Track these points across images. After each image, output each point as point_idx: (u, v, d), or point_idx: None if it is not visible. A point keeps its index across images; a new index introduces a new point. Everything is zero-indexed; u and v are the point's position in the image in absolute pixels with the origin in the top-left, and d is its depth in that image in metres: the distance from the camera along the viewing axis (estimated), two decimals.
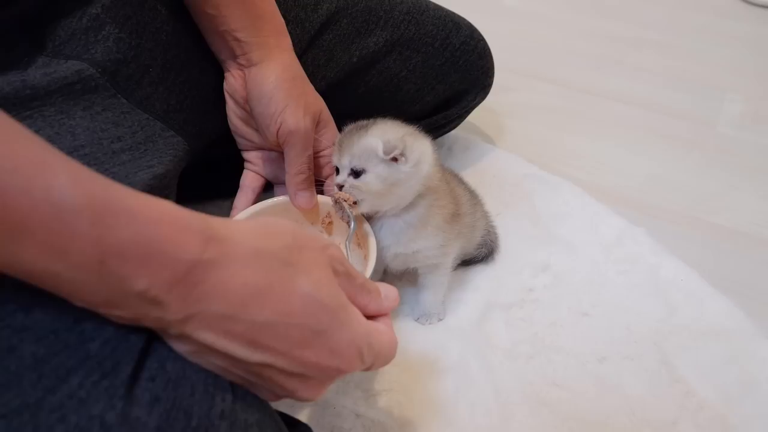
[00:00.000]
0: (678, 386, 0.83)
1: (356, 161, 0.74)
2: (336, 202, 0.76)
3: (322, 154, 0.83)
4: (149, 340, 0.43)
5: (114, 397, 0.39)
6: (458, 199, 0.86)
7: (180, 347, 0.43)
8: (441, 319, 0.91)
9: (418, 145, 0.75)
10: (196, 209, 0.41)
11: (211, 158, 0.96)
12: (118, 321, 0.41)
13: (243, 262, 0.41)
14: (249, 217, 0.79)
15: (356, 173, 0.74)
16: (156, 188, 0.67)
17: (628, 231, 1.07)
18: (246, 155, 0.86)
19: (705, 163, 1.30)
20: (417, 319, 0.91)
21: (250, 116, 0.80)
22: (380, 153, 0.71)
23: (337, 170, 0.78)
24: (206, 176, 0.99)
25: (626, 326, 0.91)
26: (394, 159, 0.72)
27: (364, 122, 0.78)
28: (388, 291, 0.56)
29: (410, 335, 0.89)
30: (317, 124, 0.80)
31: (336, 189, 0.76)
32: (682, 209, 1.18)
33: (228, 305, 0.40)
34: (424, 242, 0.80)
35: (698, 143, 1.36)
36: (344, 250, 0.77)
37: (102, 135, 0.65)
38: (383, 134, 0.74)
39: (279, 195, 0.84)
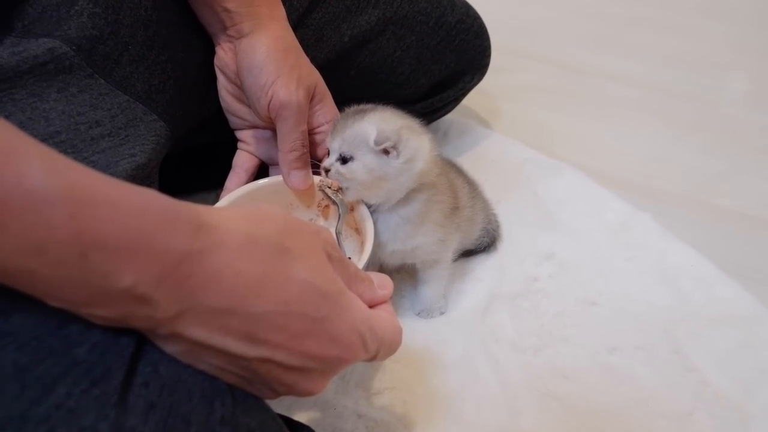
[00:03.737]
0: (692, 376, 0.83)
1: (346, 146, 0.72)
2: (320, 187, 0.76)
3: (318, 131, 0.81)
4: (139, 342, 0.41)
5: (106, 405, 0.37)
6: (457, 192, 0.85)
7: (171, 348, 0.41)
8: (443, 313, 0.90)
9: (415, 141, 0.73)
10: None
11: (193, 147, 0.95)
12: (102, 322, 0.39)
13: (236, 251, 0.40)
14: (239, 197, 0.78)
15: (344, 159, 0.73)
16: (138, 179, 0.66)
17: (633, 216, 1.07)
18: (239, 134, 0.85)
19: (709, 144, 1.30)
20: (418, 314, 0.90)
21: (242, 92, 0.79)
22: (371, 142, 0.70)
23: (329, 153, 0.76)
24: (186, 168, 0.98)
25: (635, 315, 0.91)
26: (385, 151, 0.71)
27: (365, 107, 0.76)
28: (381, 280, 0.55)
29: (411, 330, 0.87)
30: (312, 98, 0.78)
31: (322, 173, 0.75)
32: (688, 192, 1.17)
33: (222, 298, 0.39)
34: (422, 238, 0.79)
35: (701, 124, 1.36)
36: (335, 238, 0.75)
37: (79, 119, 0.63)
38: (380, 122, 0.72)
39: (273, 176, 0.83)
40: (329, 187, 0.74)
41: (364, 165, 0.72)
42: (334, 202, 0.76)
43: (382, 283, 0.55)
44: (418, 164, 0.74)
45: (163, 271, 0.37)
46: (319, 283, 0.44)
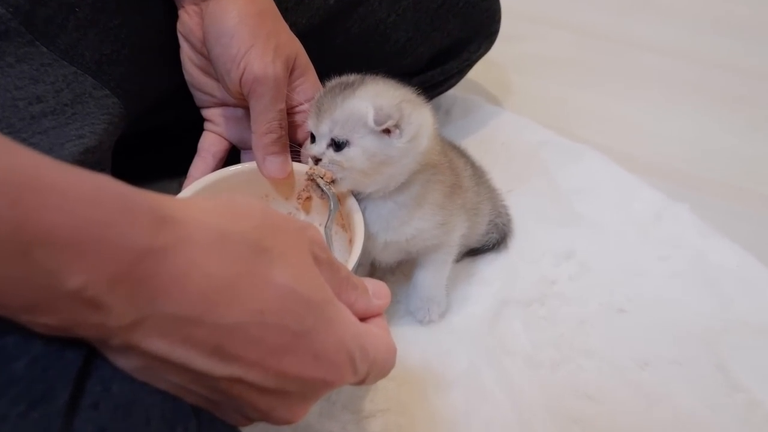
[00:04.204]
0: (738, 396, 0.83)
1: (339, 130, 0.72)
2: (310, 178, 0.75)
3: (298, 110, 0.81)
4: (88, 355, 0.40)
5: (48, 431, 0.37)
6: (458, 172, 0.84)
7: (125, 362, 0.41)
8: (442, 314, 0.89)
9: (417, 115, 0.73)
10: None
11: (152, 128, 0.95)
12: (44, 331, 0.38)
13: (205, 249, 0.40)
14: (205, 187, 0.77)
15: (338, 145, 0.72)
16: (87, 164, 0.65)
17: (667, 207, 1.07)
18: (206, 113, 0.85)
19: (757, 124, 1.30)
20: (413, 312, 0.89)
21: (209, 63, 0.78)
22: (370, 122, 0.70)
23: (312, 137, 0.76)
24: (143, 153, 0.97)
25: (671, 324, 0.91)
26: (387, 131, 0.71)
27: (350, 78, 0.76)
28: (376, 288, 0.55)
29: (407, 341, 0.87)
30: (292, 71, 0.78)
31: (311, 162, 0.75)
32: (731, 180, 1.18)
33: (187, 304, 0.39)
34: (420, 223, 0.79)
35: (748, 100, 1.36)
36: (324, 235, 0.75)
37: (17, 95, 0.63)
38: (375, 97, 0.72)
39: (246, 162, 0.83)
40: (321, 177, 0.73)
41: (363, 150, 0.71)
42: (323, 195, 0.75)
43: (378, 292, 0.54)
44: (422, 142, 0.74)
45: (117, 270, 0.36)
46: (303, 289, 0.44)
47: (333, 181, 0.73)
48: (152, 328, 0.39)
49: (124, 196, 0.37)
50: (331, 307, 0.46)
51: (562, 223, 1.05)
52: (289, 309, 0.43)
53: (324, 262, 0.48)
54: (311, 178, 0.74)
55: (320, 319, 0.45)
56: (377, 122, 0.69)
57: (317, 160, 0.74)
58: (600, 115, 1.31)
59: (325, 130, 0.73)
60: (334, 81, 0.76)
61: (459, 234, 0.85)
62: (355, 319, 0.49)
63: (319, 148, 0.74)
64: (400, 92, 0.75)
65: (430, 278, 0.88)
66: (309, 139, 0.78)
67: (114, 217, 0.36)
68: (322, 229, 0.77)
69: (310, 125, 0.76)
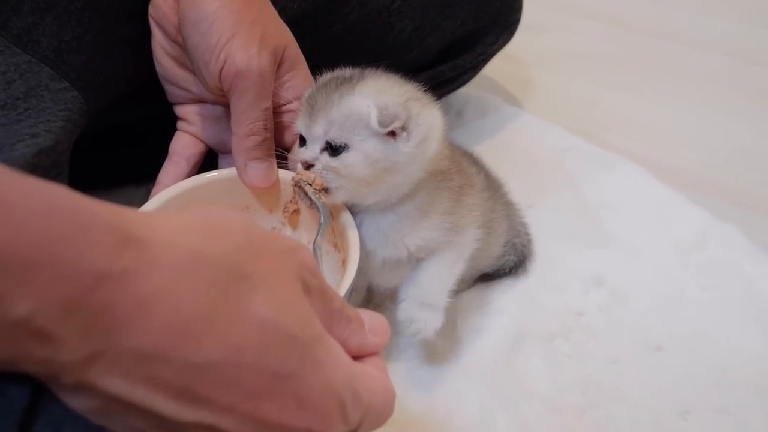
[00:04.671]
0: None
1: (336, 131, 0.72)
2: (296, 185, 0.74)
3: (286, 109, 0.81)
4: (36, 393, 0.40)
5: None
6: (469, 177, 0.84)
7: (78, 403, 0.40)
8: (436, 329, 0.81)
9: (426, 115, 0.73)
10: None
11: (117, 127, 0.95)
12: None
13: (173, 274, 0.39)
14: (177, 196, 0.77)
15: (334, 149, 0.72)
16: (41, 168, 0.65)
17: (713, 228, 1.07)
18: (179, 110, 0.85)
19: None
20: (401, 322, 0.81)
21: (185, 53, 0.78)
22: (374, 123, 0.69)
23: (303, 140, 0.76)
24: (106, 155, 0.97)
25: (717, 365, 0.90)
26: (392, 133, 0.71)
27: (347, 73, 0.76)
28: (374, 322, 0.54)
29: (409, 380, 0.87)
30: (280, 64, 0.78)
31: (299, 168, 0.74)
32: None
33: (151, 339, 0.38)
34: (427, 233, 0.78)
35: None
36: (317, 259, 0.75)
37: None
38: (378, 95, 0.72)
39: (225, 168, 0.83)
40: (309, 184, 0.73)
41: (365, 155, 0.71)
42: (312, 206, 0.75)
43: (376, 327, 0.54)
44: (432, 145, 0.74)
45: (70, 297, 0.36)
46: (288, 323, 0.43)
47: (325, 190, 0.73)
48: (110, 364, 0.38)
49: (80, 211, 0.37)
50: (319, 344, 0.46)
51: (590, 244, 1.04)
52: (271, 346, 0.43)
53: (315, 290, 0.48)
54: (298, 185, 0.74)
55: (306, 358, 0.44)
56: (382, 123, 0.69)
57: (309, 166, 0.73)
58: (635, 119, 1.31)
59: (319, 132, 0.73)
60: (328, 75, 0.76)
61: (473, 232, 0.83)
62: (347, 359, 0.49)
63: (311, 152, 0.73)
64: (406, 89, 0.75)
65: (434, 275, 0.82)
66: (297, 142, 0.78)
67: (68, 235, 0.36)
68: (310, 248, 0.77)
69: (300, 126, 0.75)
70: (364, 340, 0.53)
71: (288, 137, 0.82)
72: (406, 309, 0.82)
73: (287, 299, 0.45)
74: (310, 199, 0.74)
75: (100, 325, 0.37)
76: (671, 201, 1.11)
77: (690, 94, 1.39)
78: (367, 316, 0.54)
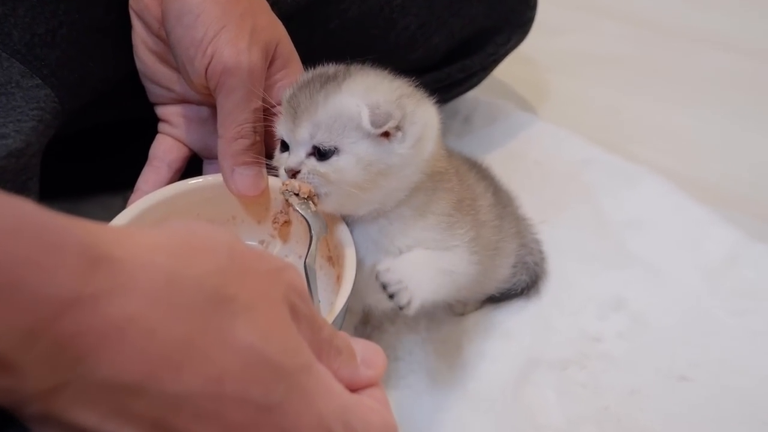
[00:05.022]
0: None
1: (323, 135, 0.72)
2: (281, 194, 0.73)
3: (278, 110, 0.80)
4: (2, 423, 0.41)
5: None
6: (473, 195, 0.85)
7: None
8: (408, 303, 0.73)
9: (422, 113, 0.74)
10: (69, 212, 0.39)
11: (93, 129, 0.95)
12: None
13: (149, 299, 0.40)
14: (156, 206, 0.77)
15: (323, 153, 0.72)
16: (10, 171, 0.66)
17: (744, 248, 1.07)
18: (161, 111, 0.85)
19: None
20: (378, 274, 0.75)
21: (168, 48, 0.79)
22: (366, 124, 0.70)
23: (285, 145, 0.76)
24: (81, 160, 0.98)
25: (746, 397, 0.90)
26: (385, 134, 0.71)
27: (330, 69, 0.76)
28: (368, 353, 0.54)
29: (409, 409, 0.87)
30: (271, 61, 0.79)
31: (282, 175, 0.74)
32: None
33: (123, 368, 0.39)
34: (421, 234, 0.78)
35: None
36: (307, 279, 0.73)
37: None
38: (367, 93, 0.73)
39: (209, 175, 0.83)
40: (296, 194, 0.72)
41: (357, 158, 0.71)
42: (303, 220, 0.74)
43: (370, 360, 0.54)
44: (428, 145, 0.74)
45: (35, 324, 0.36)
46: (273, 352, 0.44)
47: (313, 198, 0.72)
48: (78, 395, 0.38)
49: (48, 229, 0.37)
50: (308, 373, 0.46)
51: (609, 264, 1.05)
52: (255, 376, 0.43)
53: (303, 316, 0.48)
54: (284, 194, 0.73)
55: (293, 389, 0.45)
56: (375, 124, 0.70)
57: (294, 174, 0.73)
58: (661, 129, 1.32)
59: (304, 136, 0.73)
60: (310, 73, 0.77)
61: (468, 257, 0.80)
62: (340, 388, 0.49)
63: (296, 158, 0.73)
64: (396, 84, 0.76)
65: (424, 259, 0.78)
66: (278, 148, 0.78)
67: (34, 257, 0.36)
68: (301, 262, 0.77)
69: (282, 130, 0.76)
70: (355, 374, 0.53)
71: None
72: (381, 270, 0.75)
73: (273, 324, 0.45)
74: (297, 211, 0.73)
75: (67, 354, 0.37)
76: (699, 218, 1.11)
77: (722, 102, 1.39)
78: (360, 345, 0.54)
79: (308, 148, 0.73)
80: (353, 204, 0.75)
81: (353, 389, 0.52)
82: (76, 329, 0.37)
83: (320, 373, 0.48)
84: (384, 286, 0.72)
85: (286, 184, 0.73)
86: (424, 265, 0.77)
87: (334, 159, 0.72)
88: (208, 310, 0.42)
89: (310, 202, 0.73)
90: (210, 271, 0.43)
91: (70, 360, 0.37)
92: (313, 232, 0.73)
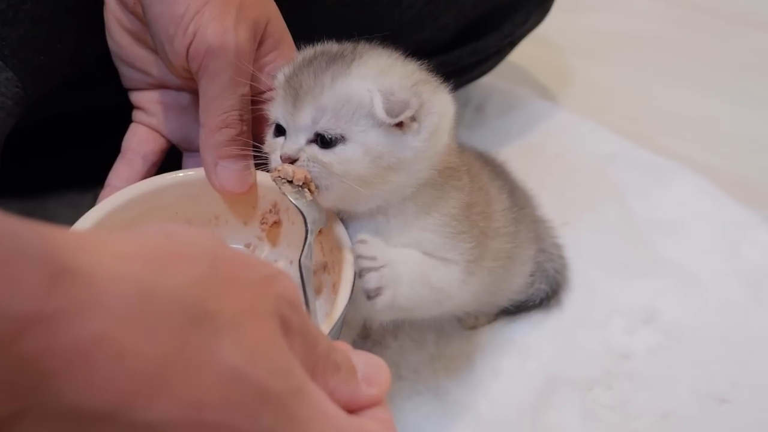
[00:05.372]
0: None
1: (329, 121, 0.71)
2: (274, 182, 0.72)
3: (268, 97, 0.80)
4: None
5: None
6: (488, 197, 0.85)
7: None
8: (376, 291, 0.74)
9: (438, 101, 0.74)
10: (33, 211, 0.39)
11: (59, 118, 0.95)
12: None
13: (118, 317, 0.39)
14: (128, 204, 0.77)
15: (326, 141, 0.72)
16: None
17: None
18: (136, 98, 0.85)
19: None
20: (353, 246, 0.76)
21: (145, 27, 0.78)
22: (379, 112, 0.70)
23: (279, 129, 0.75)
24: (45, 153, 0.98)
25: None
26: (399, 124, 0.71)
27: (335, 48, 0.76)
28: (370, 369, 0.54)
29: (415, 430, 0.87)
30: (261, 41, 0.79)
31: (274, 161, 0.74)
32: None
33: (91, 394, 0.38)
34: (421, 235, 0.77)
35: None
36: (301, 279, 0.73)
37: None
38: (380, 77, 0.72)
39: (190, 169, 0.82)
40: (290, 181, 0.71)
41: (366, 149, 0.71)
42: (298, 212, 0.73)
43: (372, 376, 0.54)
44: (442, 138, 0.74)
45: None
46: (260, 374, 0.44)
47: (309, 186, 0.71)
48: (39, 424, 0.38)
49: (5, 235, 0.37)
50: (299, 398, 0.46)
51: (639, 271, 1.05)
52: (239, 403, 0.43)
53: (296, 330, 0.48)
54: (276, 181, 0.72)
55: (283, 417, 0.45)
56: (390, 112, 0.69)
57: (292, 162, 0.72)
58: (697, 119, 1.32)
59: (305, 121, 0.72)
60: (311, 50, 0.76)
61: (470, 260, 0.79)
62: (336, 412, 0.49)
63: (294, 144, 0.73)
64: (411, 69, 0.76)
65: (414, 259, 0.77)
66: (270, 132, 0.77)
67: None
68: (293, 268, 0.77)
69: (278, 113, 0.75)
70: (356, 393, 0.52)
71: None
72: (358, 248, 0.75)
73: (260, 343, 0.44)
74: (292, 201, 0.72)
75: (26, 379, 0.37)
76: (739, 219, 1.11)
77: (765, 90, 1.39)
78: (361, 359, 0.54)
79: (309, 135, 0.72)
80: (354, 199, 0.74)
81: (353, 410, 0.52)
82: (36, 352, 0.36)
83: (314, 395, 0.47)
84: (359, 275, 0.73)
85: (279, 170, 0.71)
86: (411, 263, 0.77)
87: (339, 148, 0.72)
88: (186, 328, 0.41)
89: (306, 190, 0.71)
90: (189, 283, 0.42)
91: (29, 386, 0.37)
92: (308, 223, 0.72)
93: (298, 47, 0.80)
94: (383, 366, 0.55)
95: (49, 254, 0.37)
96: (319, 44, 0.77)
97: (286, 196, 0.70)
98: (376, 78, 0.72)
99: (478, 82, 1.22)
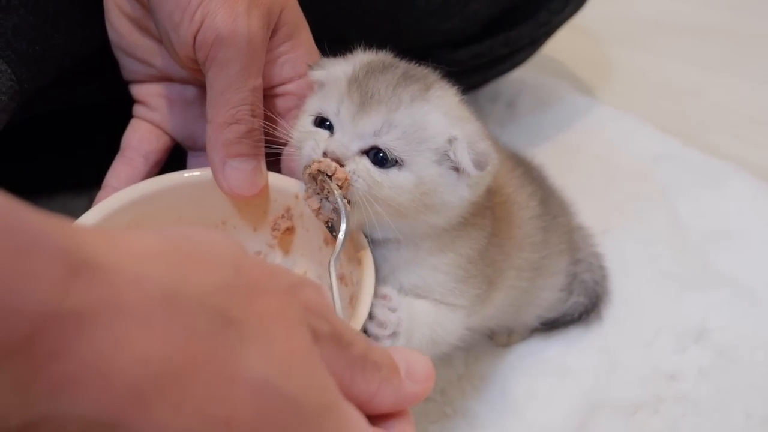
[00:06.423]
0: None
1: (396, 139, 0.72)
2: (312, 178, 0.72)
3: (282, 91, 0.82)
4: None
5: None
6: (510, 216, 0.85)
7: None
8: (394, 334, 0.76)
9: (493, 154, 0.74)
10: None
11: (55, 114, 0.96)
12: None
13: (141, 320, 0.40)
14: (126, 206, 0.77)
15: (380, 159, 0.72)
16: None
17: None
18: (138, 91, 0.85)
19: None
20: (375, 304, 0.76)
21: (148, 15, 0.78)
22: (464, 162, 0.71)
23: (322, 121, 0.75)
24: (41, 150, 0.99)
25: None
26: (455, 167, 0.72)
27: (401, 64, 0.76)
28: (413, 363, 0.54)
29: None
30: (275, 31, 0.79)
31: (312, 154, 0.72)
32: None
33: (108, 404, 0.39)
34: (431, 274, 0.78)
35: None
36: (330, 282, 0.72)
37: None
38: (459, 120, 0.74)
39: (195, 169, 0.82)
40: (330, 176, 0.71)
41: (420, 182, 0.72)
42: (321, 214, 0.74)
43: (414, 370, 0.54)
44: (481, 187, 0.76)
45: (4, 349, 0.36)
46: (291, 388, 0.44)
47: (346, 188, 0.72)
48: None
49: (18, 227, 0.37)
50: (333, 415, 0.46)
51: (689, 284, 1.04)
52: (269, 419, 0.43)
53: (326, 338, 0.48)
54: (314, 177, 0.72)
55: None
56: (478, 165, 0.71)
57: (340, 165, 0.72)
58: (752, 116, 1.31)
59: (369, 129, 0.72)
60: (374, 57, 0.77)
61: (475, 298, 0.81)
62: (365, 426, 0.49)
63: (344, 148, 0.72)
64: (469, 110, 0.77)
65: (427, 317, 0.79)
66: (302, 117, 0.77)
67: (4, 261, 0.36)
68: (325, 276, 0.75)
69: (330, 107, 0.75)
70: (401, 391, 0.53)
71: (284, 129, 0.79)
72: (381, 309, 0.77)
73: (290, 355, 0.45)
74: (328, 200, 0.72)
75: (41, 385, 0.37)
76: None
77: None
78: (401, 354, 0.54)
79: (365, 144, 0.73)
80: (376, 224, 0.74)
81: (399, 410, 0.53)
82: (53, 353, 0.37)
83: (347, 413, 0.48)
84: (371, 316, 0.73)
85: (321, 162, 0.71)
86: (424, 324, 0.78)
87: (394, 171, 0.72)
88: (212, 335, 0.42)
89: (337, 193, 0.71)
90: (213, 289, 0.43)
91: (44, 392, 0.37)
92: (346, 226, 0.72)
93: (316, 40, 0.81)
94: (426, 360, 0.55)
95: (71, 248, 0.38)
96: (379, 54, 0.78)
97: (332, 192, 0.70)
98: (455, 120, 0.73)
99: (510, 76, 1.22)
